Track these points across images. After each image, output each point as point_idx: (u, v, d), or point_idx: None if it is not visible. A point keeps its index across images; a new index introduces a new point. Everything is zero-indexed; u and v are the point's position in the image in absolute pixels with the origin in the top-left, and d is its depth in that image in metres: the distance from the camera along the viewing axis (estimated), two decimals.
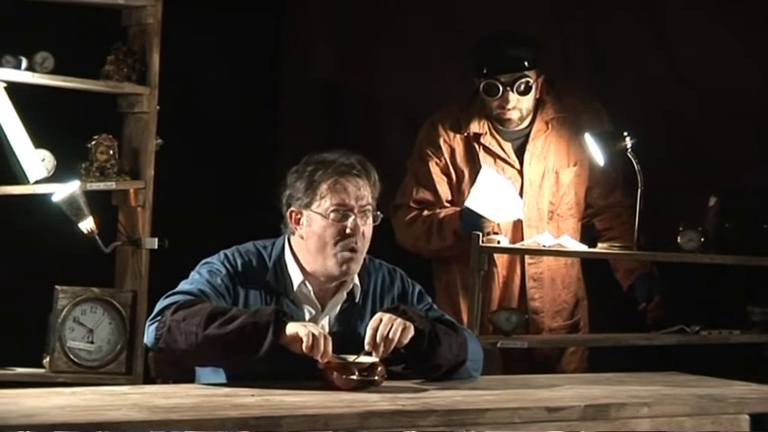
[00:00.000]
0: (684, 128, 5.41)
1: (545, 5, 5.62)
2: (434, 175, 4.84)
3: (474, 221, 4.59)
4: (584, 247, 4.71)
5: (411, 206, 4.84)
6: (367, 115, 5.93)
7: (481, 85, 4.75)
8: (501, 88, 4.72)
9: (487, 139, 4.81)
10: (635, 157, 4.73)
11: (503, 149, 4.81)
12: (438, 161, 4.84)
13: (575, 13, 5.60)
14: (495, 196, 4.59)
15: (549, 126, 4.85)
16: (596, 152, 4.76)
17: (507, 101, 4.73)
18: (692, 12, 5.37)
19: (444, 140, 4.84)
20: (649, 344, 4.78)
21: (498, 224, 4.70)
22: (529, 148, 4.82)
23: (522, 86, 4.72)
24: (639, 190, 4.72)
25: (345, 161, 3.53)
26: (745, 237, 4.79)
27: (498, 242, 4.62)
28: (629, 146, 4.72)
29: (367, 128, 5.87)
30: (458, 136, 4.84)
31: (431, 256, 4.90)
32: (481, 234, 4.54)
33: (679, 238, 4.74)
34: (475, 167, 4.76)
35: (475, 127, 4.81)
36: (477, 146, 4.81)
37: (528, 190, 4.80)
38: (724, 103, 5.28)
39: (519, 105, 4.75)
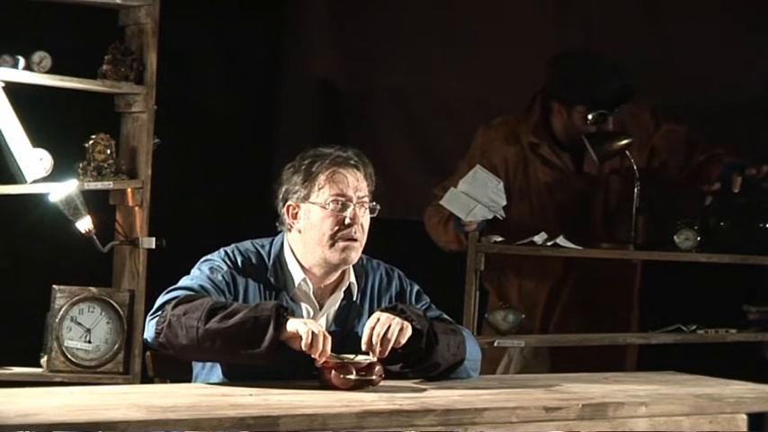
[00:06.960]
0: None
1: (546, 5, 5.62)
2: None
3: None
4: (579, 247, 4.71)
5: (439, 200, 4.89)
6: (366, 115, 5.92)
7: (587, 115, 4.79)
8: (608, 118, 4.82)
9: (546, 150, 4.87)
10: (631, 156, 4.74)
11: (560, 159, 4.88)
12: None
13: (572, 13, 5.60)
14: (474, 195, 4.53)
15: None
16: (592, 152, 4.78)
17: (609, 125, 4.82)
18: (690, 10, 5.38)
19: (497, 150, 4.89)
20: (646, 343, 4.79)
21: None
22: (587, 157, 4.89)
23: (617, 111, 4.83)
24: (636, 189, 4.73)
25: (342, 153, 3.54)
26: (741, 236, 4.79)
27: (495, 241, 4.62)
28: (626, 144, 4.73)
29: (366, 128, 5.87)
30: (512, 147, 4.89)
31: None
32: (464, 234, 4.53)
33: (676, 237, 4.75)
34: (527, 177, 4.81)
35: (533, 138, 4.88)
36: (533, 155, 4.85)
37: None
38: (723, 101, 5.28)
39: None
